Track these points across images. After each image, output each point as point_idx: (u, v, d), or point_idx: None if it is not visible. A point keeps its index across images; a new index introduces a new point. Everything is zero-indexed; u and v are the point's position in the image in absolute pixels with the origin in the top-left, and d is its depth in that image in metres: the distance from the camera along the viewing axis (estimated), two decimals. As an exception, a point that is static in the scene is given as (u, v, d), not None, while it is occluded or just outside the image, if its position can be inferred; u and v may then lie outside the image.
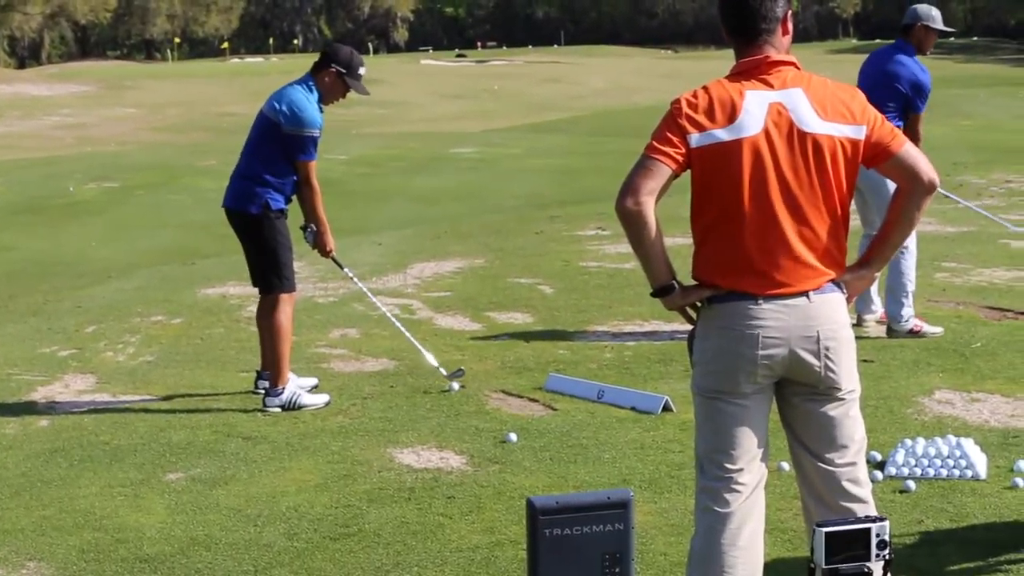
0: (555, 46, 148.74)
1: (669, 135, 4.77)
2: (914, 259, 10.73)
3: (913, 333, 10.61)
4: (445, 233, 19.02)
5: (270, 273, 9.52)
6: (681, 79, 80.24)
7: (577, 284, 13.91)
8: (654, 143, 4.78)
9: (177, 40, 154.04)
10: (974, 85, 65.42)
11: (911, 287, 10.65)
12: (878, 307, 11.02)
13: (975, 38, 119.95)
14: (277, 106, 9.32)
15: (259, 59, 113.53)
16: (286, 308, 9.50)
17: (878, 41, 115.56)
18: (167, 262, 18.10)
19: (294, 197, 9.60)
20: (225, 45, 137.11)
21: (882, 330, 10.80)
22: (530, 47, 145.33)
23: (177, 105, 65.57)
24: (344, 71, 9.44)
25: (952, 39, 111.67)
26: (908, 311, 10.64)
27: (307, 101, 9.31)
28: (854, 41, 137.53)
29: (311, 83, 9.45)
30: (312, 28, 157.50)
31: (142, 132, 53.31)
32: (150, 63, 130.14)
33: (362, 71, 9.58)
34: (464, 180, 28.74)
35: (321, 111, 9.43)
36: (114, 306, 14.00)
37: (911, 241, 10.31)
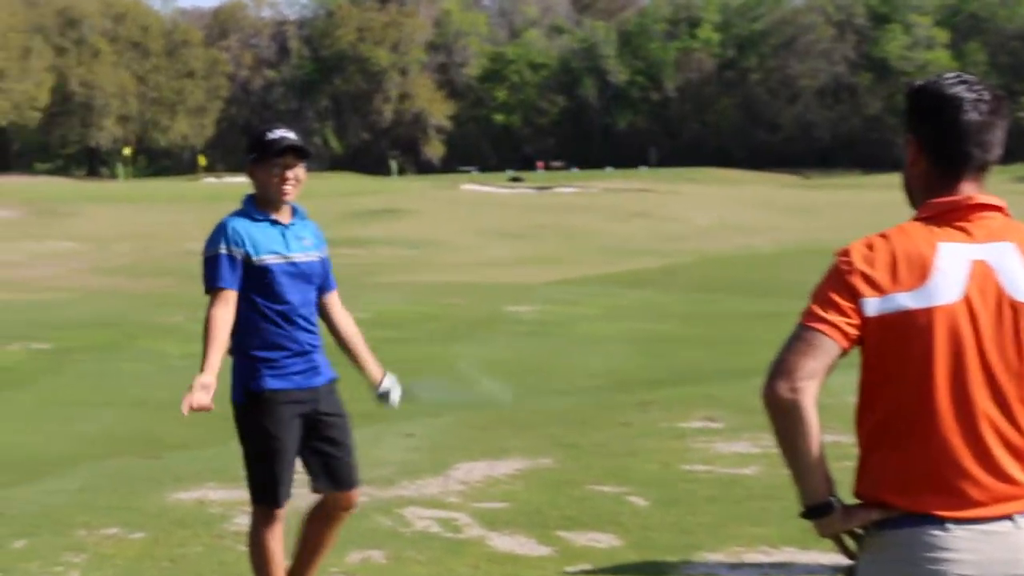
0: (643, 168, 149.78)
1: (836, 299, 4.77)
2: None
3: None
4: (498, 422, 19.06)
5: (248, 475, 9.48)
6: (815, 215, 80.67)
7: (680, 495, 13.92)
8: (814, 309, 4.79)
9: (128, 150, 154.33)
10: None
11: None
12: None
13: None
14: None
15: (241, 179, 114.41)
16: (265, 526, 9.38)
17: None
18: (121, 454, 18.11)
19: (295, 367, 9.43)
20: (201, 160, 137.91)
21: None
22: (609, 169, 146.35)
23: (131, 239, 66.22)
24: (254, 156, 9.34)
25: None
26: None
27: (221, 224, 9.37)
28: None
29: (247, 198, 9.53)
30: (315, 137, 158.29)
31: (84, 275, 53.76)
32: (94, 181, 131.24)
33: (274, 135, 9.31)
34: (522, 350, 28.93)
35: (267, 220, 9.33)
36: (50, 513, 14.02)
37: None
